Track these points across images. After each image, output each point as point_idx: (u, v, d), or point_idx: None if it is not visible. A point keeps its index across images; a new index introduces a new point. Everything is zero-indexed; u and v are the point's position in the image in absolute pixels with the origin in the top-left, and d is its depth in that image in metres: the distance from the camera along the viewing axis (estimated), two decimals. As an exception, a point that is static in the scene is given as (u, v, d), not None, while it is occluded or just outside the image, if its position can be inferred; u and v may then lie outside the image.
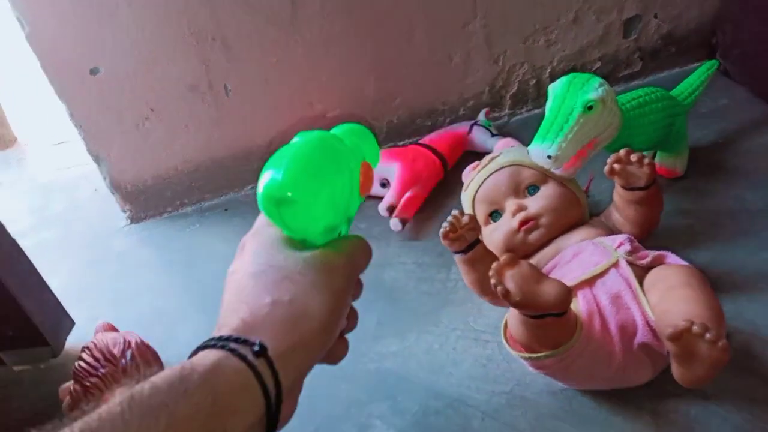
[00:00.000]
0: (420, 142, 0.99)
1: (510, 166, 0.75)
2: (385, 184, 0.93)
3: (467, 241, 0.67)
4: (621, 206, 0.71)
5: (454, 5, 0.96)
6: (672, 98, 0.82)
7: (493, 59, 1.02)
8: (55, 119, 1.29)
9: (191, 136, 1.01)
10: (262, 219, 0.41)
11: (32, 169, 1.38)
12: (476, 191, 0.76)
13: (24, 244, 0.78)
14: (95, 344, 0.71)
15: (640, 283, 0.61)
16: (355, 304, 0.43)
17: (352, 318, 0.43)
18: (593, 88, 0.69)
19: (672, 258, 0.64)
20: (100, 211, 1.12)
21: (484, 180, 0.75)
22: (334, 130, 0.43)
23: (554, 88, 0.72)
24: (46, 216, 1.17)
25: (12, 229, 0.77)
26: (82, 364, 0.69)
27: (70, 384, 0.70)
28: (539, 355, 0.57)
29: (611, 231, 0.72)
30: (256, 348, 0.33)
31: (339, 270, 0.38)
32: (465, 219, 0.66)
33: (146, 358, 0.70)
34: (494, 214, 0.75)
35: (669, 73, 1.07)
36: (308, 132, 0.41)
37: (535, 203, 0.72)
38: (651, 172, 0.66)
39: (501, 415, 0.63)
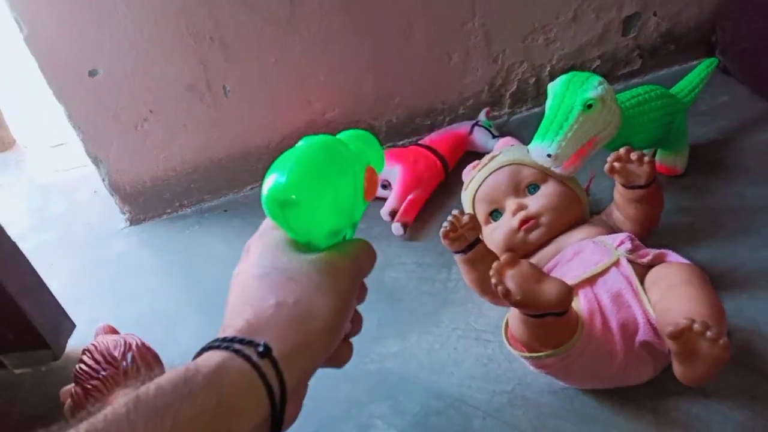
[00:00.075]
0: (421, 142, 0.99)
1: (510, 165, 0.75)
2: (386, 186, 0.93)
3: (467, 241, 0.67)
4: (621, 205, 0.71)
5: (452, 4, 0.96)
6: (672, 96, 0.82)
7: (493, 58, 1.02)
8: (53, 121, 1.29)
9: (190, 137, 1.01)
10: (267, 222, 0.41)
11: (31, 171, 1.37)
12: (476, 190, 0.76)
13: (23, 246, 0.78)
14: (96, 347, 0.70)
15: (641, 282, 0.60)
16: (356, 304, 0.43)
17: (357, 322, 0.43)
18: (593, 87, 0.69)
19: (673, 256, 0.64)
20: (100, 212, 1.12)
21: (484, 179, 0.75)
22: (339, 136, 0.44)
23: (554, 87, 0.72)
24: (46, 218, 1.16)
25: (11, 232, 0.77)
26: (83, 366, 0.69)
27: (71, 387, 0.70)
28: (540, 354, 0.57)
29: (612, 229, 0.72)
30: (261, 349, 0.33)
31: (344, 272, 0.39)
32: (465, 218, 0.66)
33: (147, 360, 0.69)
34: (494, 214, 0.75)
35: (668, 71, 1.07)
36: (313, 136, 0.41)
37: (535, 202, 0.72)
38: (651, 170, 0.66)
39: (502, 415, 0.63)
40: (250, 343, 0.33)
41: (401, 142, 1.07)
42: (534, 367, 0.61)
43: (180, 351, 0.76)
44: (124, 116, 0.96)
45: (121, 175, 1.02)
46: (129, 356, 0.68)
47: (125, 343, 0.70)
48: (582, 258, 0.66)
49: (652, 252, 0.64)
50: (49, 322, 0.79)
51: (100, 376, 0.67)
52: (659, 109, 0.78)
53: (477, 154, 0.91)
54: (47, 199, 1.22)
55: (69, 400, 0.69)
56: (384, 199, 0.91)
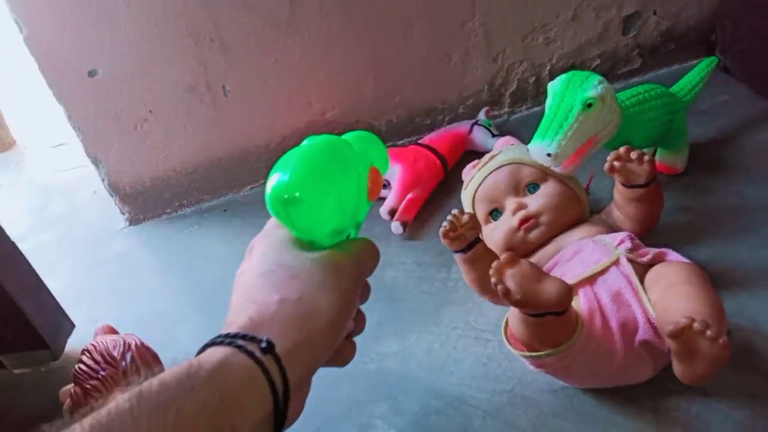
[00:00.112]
0: (420, 142, 0.99)
1: (510, 164, 0.75)
2: (385, 185, 0.93)
3: (467, 240, 0.67)
4: (621, 204, 0.71)
5: (452, 4, 0.96)
6: (671, 95, 0.81)
7: (492, 57, 1.02)
8: (53, 121, 1.29)
9: (190, 138, 1.01)
10: (271, 222, 0.42)
11: (31, 172, 1.37)
12: (476, 190, 0.76)
13: (23, 246, 0.78)
14: (95, 347, 0.70)
15: (641, 281, 0.60)
16: (357, 304, 0.43)
17: (360, 321, 0.43)
18: (592, 86, 0.69)
19: (672, 255, 0.64)
20: (99, 213, 1.12)
21: (484, 178, 0.75)
22: (344, 137, 0.44)
23: (553, 86, 0.72)
24: (45, 218, 1.16)
25: (11, 232, 0.77)
26: (82, 366, 0.69)
27: (70, 387, 0.70)
28: (540, 353, 0.57)
29: (612, 229, 0.72)
30: (264, 345, 0.33)
31: (347, 270, 0.39)
32: (465, 218, 0.66)
33: (146, 360, 0.69)
34: (494, 213, 0.75)
35: (668, 70, 1.07)
36: (316, 136, 0.41)
37: (535, 201, 0.72)
38: (651, 169, 0.66)
39: (502, 414, 0.63)
40: (253, 339, 0.33)
41: (401, 142, 1.07)
42: (534, 367, 0.61)
43: (179, 351, 0.75)
44: (123, 117, 0.96)
45: (120, 175, 1.02)
46: (128, 356, 0.68)
47: (124, 343, 0.70)
48: (582, 257, 0.66)
49: (652, 251, 0.64)
50: (48, 322, 0.79)
51: (100, 376, 0.67)
52: (659, 108, 0.78)
53: (477, 154, 0.91)
54: (47, 200, 1.22)
55: (68, 400, 0.69)
56: (383, 199, 0.91)
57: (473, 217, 0.67)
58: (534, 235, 0.71)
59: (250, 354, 0.33)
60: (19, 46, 0.88)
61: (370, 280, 0.46)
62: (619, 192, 0.70)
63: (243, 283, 0.38)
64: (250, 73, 0.96)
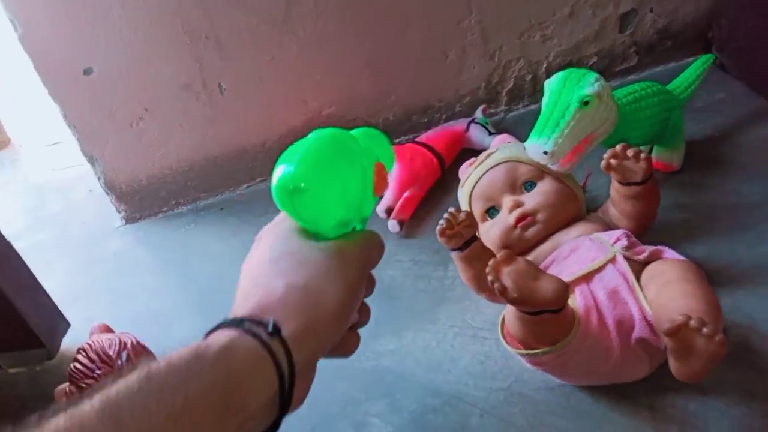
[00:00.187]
0: (417, 140, 0.99)
1: (506, 162, 0.75)
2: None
3: (464, 238, 0.66)
4: (618, 201, 0.71)
5: (449, 2, 0.95)
6: (668, 93, 0.81)
7: (489, 55, 1.02)
8: (49, 120, 1.28)
9: (186, 136, 1.00)
10: (279, 215, 0.42)
11: (26, 170, 1.37)
12: (473, 188, 0.75)
13: (19, 245, 0.78)
14: (91, 346, 0.70)
15: (638, 279, 0.60)
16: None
17: (365, 313, 0.44)
18: (589, 84, 0.69)
19: (669, 253, 0.64)
20: (95, 211, 1.11)
21: (481, 176, 0.75)
22: (351, 132, 0.44)
23: (550, 84, 0.72)
24: (41, 217, 1.16)
25: (6, 231, 0.77)
26: (78, 365, 0.69)
27: (65, 386, 0.70)
28: (537, 351, 0.57)
29: (608, 226, 0.72)
30: (270, 328, 0.34)
31: (353, 260, 0.39)
32: (462, 216, 0.66)
33: (142, 359, 0.69)
34: (491, 211, 0.74)
35: (665, 68, 1.07)
36: (322, 129, 0.42)
37: (531, 199, 0.72)
38: (647, 167, 0.66)
39: (499, 412, 0.63)
40: (259, 323, 0.34)
41: (398, 140, 1.07)
42: (530, 364, 0.61)
43: (176, 349, 0.75)
44: (119, 115, 0.96)
45: (116, 173, 1.02)
46: (124, 355, 0.68)
47: (120, 342, 0.70)
48: (578, 255, 0.66)
49: (649, 249, 0.64)
50: (44, 321, 0.79)
51: (96, 375, 0.67)
52: (656, 105, 0.78)
53: (474, 152, 0.91)
54: (43, 198, 1.22)
55: (64, 399, 0.69)
56: (381, 197, 0.91)
57: (470, 215, 0.67)
58: (531, 232, 0.71)
59: (257, 336, 0.33)
60: (14, 44, 0.88)
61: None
62: (615, 189, 0.70)
63: (250, 271, 0.39)
64: (246, 71, 0.96)
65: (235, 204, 1.05)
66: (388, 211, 0.89)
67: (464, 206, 0.77)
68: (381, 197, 0.91)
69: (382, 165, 0.44)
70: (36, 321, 0.77)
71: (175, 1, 0.88)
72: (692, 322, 0.48)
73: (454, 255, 0.68)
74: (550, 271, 0.62)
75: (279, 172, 0.38)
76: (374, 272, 0.46)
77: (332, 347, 0.39)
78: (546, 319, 0.54)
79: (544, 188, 0.73)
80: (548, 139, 0.69)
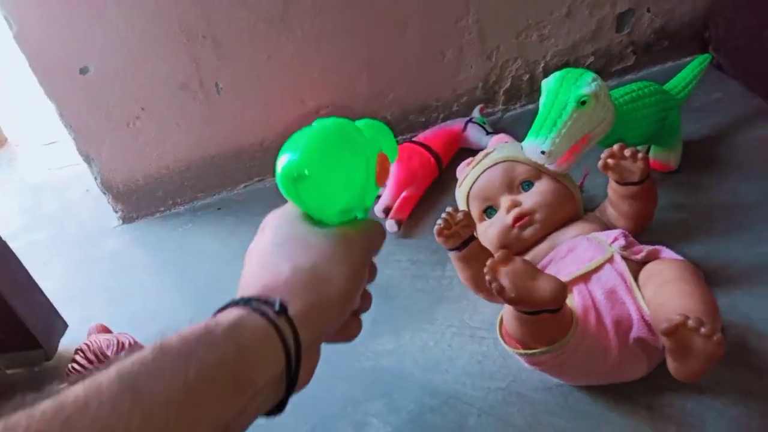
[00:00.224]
0: (415, 140, 0.99)
1: (504, 162, 0.75)
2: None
3: (462, 238, 0.66)
4: (615, 201, 0.71)
5: (446, 1, 0.95)
6: (665, 92, 0.82)
7: (486, 55, 1.02)
8: (45, 119, 1.28)
9: (182, 135, 1.00)
10: (287, 204, 0.43)
11: (23, 170, 1.37)
12: (470, 187, 0.75)
13: (15, 245, 0.78)
14: (88, 346, 0.70)
15: (635, 278, 0.60)
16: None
17: (367, 299, 0.45)
18: (586, 83, 0.69)
19: (666, 252, 0.64)
20: (92, 211, 1.11)
21: (478, 176, 0.75)
22: (355, 123, 0.45)
23: (547, 84, 0.72)
24: (38, 217, 1.16)
25: (3, 231, 0.76)
26: (76, 366, 0.68)
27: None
28: (535, 351, 0.57)
29: (606, 226, 0.72)
30: (277, 306, 0.35)
31: (357, 244, 0.40)
32: (459, 216, 0.66)
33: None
34: (489, 211, 0.74)
35: (662, 67, 1.07)
36: (325, 118, 0.42)
37: (529, 199, 0.72)
38: (644, 166, 0.66)
39: (497, 412, 0.63)
40: (266, 302, 0.35)
41: (395, 140, 1.06)
42: (528, 364, 0.61)
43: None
44: (116, 114, 0.96)
45: (113, 173, 1.02)
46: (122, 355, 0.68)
47: (118, 342, 0.70)
48: (576, 255, 0.66)
49: (646, 248, 0.64)
50: (41, 322, 0.79)
51: (93, 375, 0.66)
52: (653, 105, 0.78)
53: (471, 151, 0.91)
54: (39, 198, 1.22)
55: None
56: (378, 197, 0.91)
57: (467, 214, 0.67)
58: (528, 232, 0.71)
59: (264, 314, 0.34)
60: (9, 43, 0.88)
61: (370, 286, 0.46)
62: (613, 189, 0.70)
63: (256, 255, 0.40)
64: (243, 70, 0.96)
65: (233, 204, 1.05)
66: (386, 211, 0.89)
67: (462, 206, 0.77)
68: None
69: (384, 155, 0.44)
70: (33, 321, 0.77)
71: (172, 0, 0.87)
72: (690, 322, 0.48)
73: (452, 255, 0.68)
74: (547, 271, 0.62)
75: (283, 159, 0.39)
76: (372, 272, 0.47)
77: (336, 331, 0.41)
78: (544, 318, 0.54)
79: (541, 188, 0.73)
80: (545, 139, 0.69)
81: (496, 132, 0.96)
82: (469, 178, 0.77)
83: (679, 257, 0.63)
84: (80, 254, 1.03)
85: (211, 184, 1.06)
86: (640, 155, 0.66)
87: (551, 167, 0.72)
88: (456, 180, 0.81)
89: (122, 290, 0.93)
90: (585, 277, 0.62)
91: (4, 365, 0.82)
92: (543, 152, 0.70)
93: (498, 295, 0.53)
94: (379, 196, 0.91)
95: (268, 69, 0.96)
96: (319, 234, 0.40)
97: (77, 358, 0.70)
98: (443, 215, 0.66)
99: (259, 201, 1.01)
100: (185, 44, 0.91)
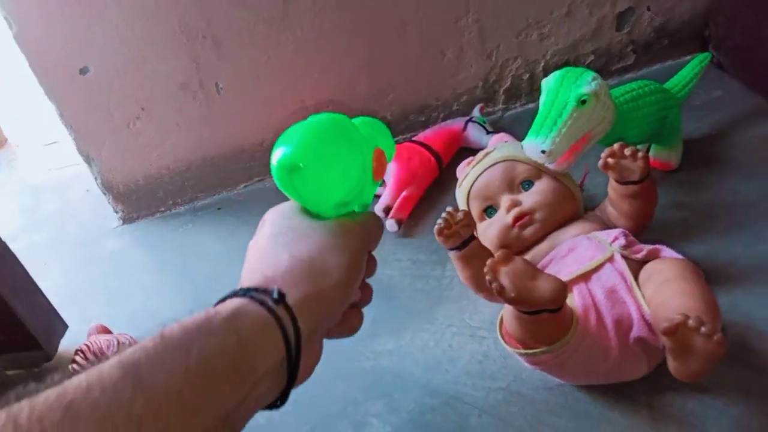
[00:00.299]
0: (415, 139, 0.99)
1: (504, 161, 0.75)
2: (380, 183, 0.93)
3: (462, 238, 0.66)
4: (615, 200, 0.71)
5: (446, 0, 0.95)
6: (665, 91, 0.81)
7: (486, 54, 1.01)
8: (45, 119, 1.28)
9: (183, 135, 1.00)
10: (285, 202, 0.44)
11: (23, 170, 1.37)
12: (470, 187, 0.75)
13: (16, 246, 0.78)
14: (89, 346, 0.70)
15: (636, 278, 0.60)
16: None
17: (367, 292, 0.46)
18: (586, 82, 0.69)
19: (667, 251, 0.64)
20: (92, 211, 1.11)
21: (479, 176, 0.75)
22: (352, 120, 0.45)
23: (547, 83, 0.72)
24: (38, 217, 1.16)
25: (3, 231, 0.76)
26: (76, 367, 0.68)
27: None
28: (535, 351, 0.57)
29: (606, 225, 0.71)
30: (275, 295, 0.35)
31: (354, 233, 0.41)
32: (459, 215, 0.66)
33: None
34: (489, 210, 0.74)
35: (662, 66, 1.07)
36: (320, 113, 0.43)
37: (529, 198, 0.72)
38: (645, 165, 0.66)
39: (498, 412, 0.62)
40: (265, 291, 0.35)
41: (395, 139, 1.06)
42: (529, 364, 0.61)
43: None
44: (116, 114, 0.96)
45: (113, 173, 1.02)
46: (122, 356, 0.68)
47: (118, 342, 0.70)
48: (576, 254, 0.66)
49: (646, 247, 0.64)
50: (41, 322, 0.79)
51: (93, 376, 0.66)
52: (653, 104, 0.78)
53: (471, 151, 0.91)
54: (39, 199, 1.22)
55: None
56: (378, 196, 0.91)
57: (468, 214, 0.67)
58: (528, 232, 0.71)
59: (263, 303, 0.34)
60: (9, 43, 0.88)
61: (370, 281, 0.46)
62: (613, 189, 0.70)
63: (255, 249, 0.40)
64: (243, 70, 0.96)
65: (233, 204, 1.05)
66: (386, 211, 0.89)
67: (462, 205, 0.77)
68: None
69: (381, 151, 0.44)
70: (33, 322, 0.77)
71: (172, 0, 0.87)
72: (690, 322, 0.48)
73: (452, 254, 0.68)
74: (548, 271, 0.62)
75: (279, 152, 0.39)
76: (372, 272, 0.47)
77: (337, 324, 0.41)
78: (544, 318, 0.54)
79: (541, 187, 0.73)
80: (546, 138, 0.69)
81: (496, 131, 0.96)
82: (469, 177, 0.76)
83: (680, 256, 0.62)
84: (80, 255, 1.03)
85: (211, 184, 1.06)
86: (640, 154, 0.66)
87: (551, 166, 0.72)
88: (456, 179, 0.81)
89: (122, 291, 0.93)
90: (585, 277, 0.62)
91: (3, 366, 0.82)
92: (543, 151, 0.69)
93: (498, 294, 0.53)
94: (378, 196, 0.91)
95: (268, 69, 0.96)
96: (317, 226, 0.40)
97: (77, 358, 0.70)
98: (443, 215, 0.66)
99: (259, 201, 1.01)
100: (185, 44, 0.91)
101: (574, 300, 0.60)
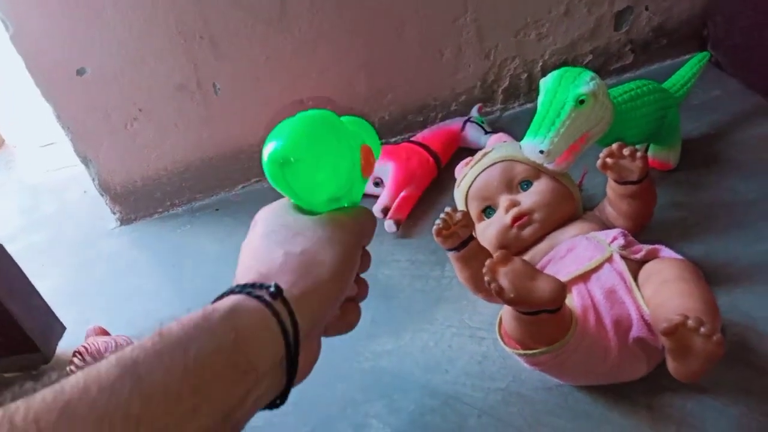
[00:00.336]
0: (413, 139, 0.98)
1: (502, 161, 0.74)
2: (378, 183, 0.93)
3: (460, 238, 0.66)
4: (614, 200, 0.70)
5: (444, 0, 0.95)
6: (664, 91, 0.81)
7: (485, 54, 1.01)
8: (43, 120, 1.27)
9: (180, 136, 1.00)
10: (276, 201, 0.44)
11: (21, 171, 1.36)
12: (469, 187, 0.75)
13: (13, 247, 0.78)
14: (87, 348, 0.70)
15: (635, 278, 0.60)
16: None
17: (363, 287, 0.46)
18: (585, 82, 0.69)
19: (666, 251, 0.64)
20: (90, 212, 1.11)
21: (477, 176, 0.75)
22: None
23: (546, 83, 0.72)
24: (36, 218, 1.15)
25: (0, 233, 0.76)
26: (74, 369, 0.68)
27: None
28: (534, 351, 0.57)
29: (605, 225, 0.71)
30: (272, 290, 0.35)
31: (347, 226, 0.41)
32: (458, 216, 0.66)
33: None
34: (487, 210, 0.74)
35: (660, 66, 1.07)
36: (309, 110, 0.43)
37: (528, 199, 0.72)
38: (643, 165, 0.66)
39: (497, 412, 0.62)
40: (261, 287, 0.35)
41: (393, 139, 1.06)
42: (528, 365, 0.61)
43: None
44: (113, 115, 0.96)
45: (111, 174, 1.01)
46: (120, 358, 0.67)
47: (116, 344, 0.69)
48: (575, 254, 0.65)
49: (645, 247, 0.64)
50: (38, 325, 0.78)
51: (91, 378, 0.66)
52: (652, 103, 0.78)
53: (470, 151, 0.90)
54: (37, 200, 1.21)
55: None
56: (376, 197, 0.91)
57: (466, 214, 0.67)
58: (527, 232, 0.71)
59: (260, 298, 0.35)
60: (6, 44, 0.87)
61: (365, 277, 0.46)
62: (611, 189, 0.70)
63: (248, 248, 0.40)
64: (241, 71, 0.95)
65: (231, 204, 1.05)
66: (385, 211, 0.89)
67: (460, 206, 0.77)
68: (371, 199, 0.91)
69: (368, 147, 0.44)
70: (30, 325, 0.76)
71: (169, 1, 0.87)
72: (690, 322, 0.48)
73: (451, 255, 0.68)
74: (546, 271, 0.62)
75: (269, 147, 0.40)
76: (371, 271, 0.46)
77: (335, 319, 0.41)
78: (543, 319, 0.54)
79: (540, 187, 0.72)
80: (544, 138, 0.69)
81: (494, 131, 0.96)
82: (467, 177, 0.76)
83: (679, 256, 0.62)
84: (78, 256, 1.03)
85: (209, 185, 1.06)
86: (638, 154, 0.66)
87: (550, 166, 0.72)
88: (455, 180, 0.81)
89: (120, 292, 0.93)
90: (584, 277, 0.62)
91: (1, 369, 0.81)
92: (542, 151, 0.69)
93: (497, 295, 0.53)
94: (376, 196, 0.91)
95: (266, 69, 0.96)
96: (309, 221, 0.40)
97: (75, 361, 0.69)
98: (442, 215, 0.66)
99: (257, 202, 0.98)
100: (183, 45, 0.91)
101: (573, 300, 0.60)
